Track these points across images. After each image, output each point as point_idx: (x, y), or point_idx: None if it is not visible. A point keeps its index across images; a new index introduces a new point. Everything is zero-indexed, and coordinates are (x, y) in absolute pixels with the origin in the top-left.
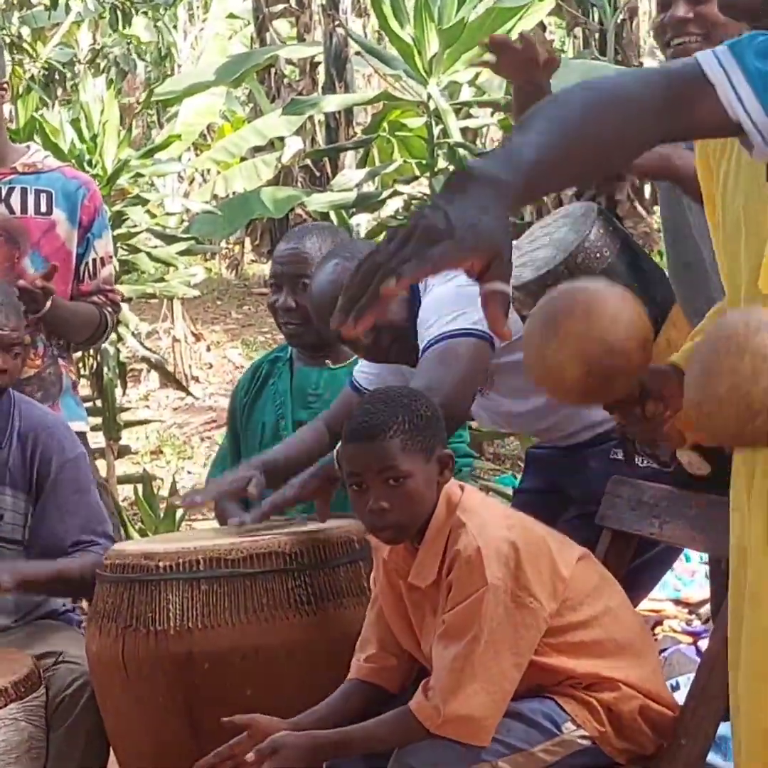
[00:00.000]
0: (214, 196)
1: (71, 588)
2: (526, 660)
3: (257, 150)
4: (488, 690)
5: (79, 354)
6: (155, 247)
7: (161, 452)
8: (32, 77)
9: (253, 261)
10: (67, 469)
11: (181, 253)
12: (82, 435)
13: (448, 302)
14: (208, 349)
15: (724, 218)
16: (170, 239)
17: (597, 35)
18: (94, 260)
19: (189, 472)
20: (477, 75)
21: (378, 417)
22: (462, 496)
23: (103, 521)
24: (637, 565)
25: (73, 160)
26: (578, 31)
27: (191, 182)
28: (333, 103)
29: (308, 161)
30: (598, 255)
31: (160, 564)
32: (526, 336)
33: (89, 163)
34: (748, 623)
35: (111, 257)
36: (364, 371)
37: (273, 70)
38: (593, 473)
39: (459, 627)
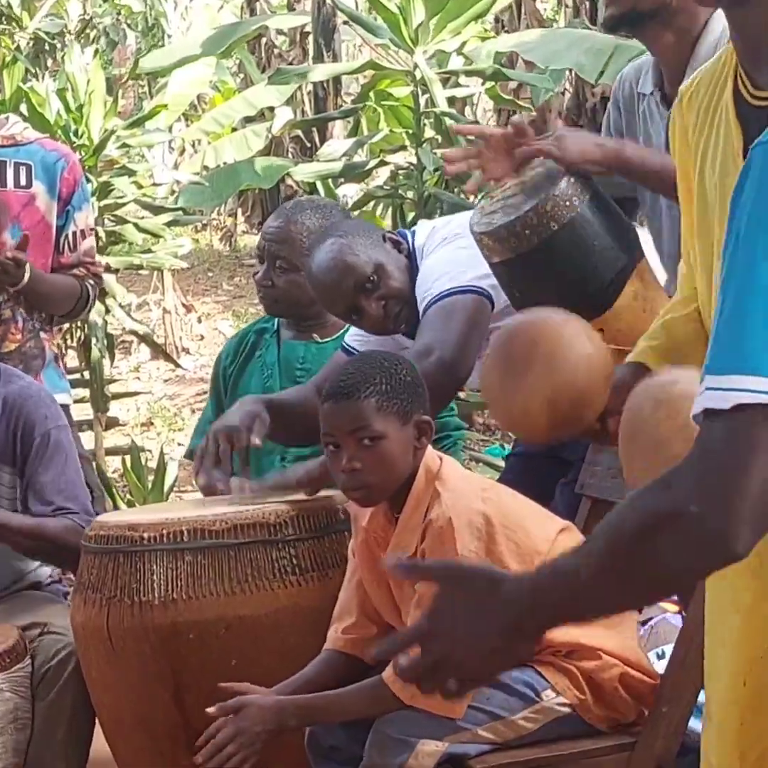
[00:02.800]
0: (205, 167)
1: (45, 545)
2: None
3: (248, 120)
4: None
5: (66, 326)
6: (143, 218)
7: (152, 424)
8: (18, 47)
9: (244, 232)
10: (50, 438)
11: (169, 223)
12: (65, 407)
13: (448, 262)
14: (199, 321)
15: (698, 194)
16: (157, 210)
17: (588, 4)
18: (75, 233)
19: (180, 444)
20: (463, 44)
21: (355, 377)
22: (440, 466)
23: (82, 493)
24: None
25: (59, 131)
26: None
27: (182, 153)
28: (319, 72)
29: (299, 132)
30: (567, 203)
31: (145, 535)
32: (485, 382)
33: (75, 133)
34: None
35: (92, 229)
36: (357, 336)
37: (263, 40)
38: None
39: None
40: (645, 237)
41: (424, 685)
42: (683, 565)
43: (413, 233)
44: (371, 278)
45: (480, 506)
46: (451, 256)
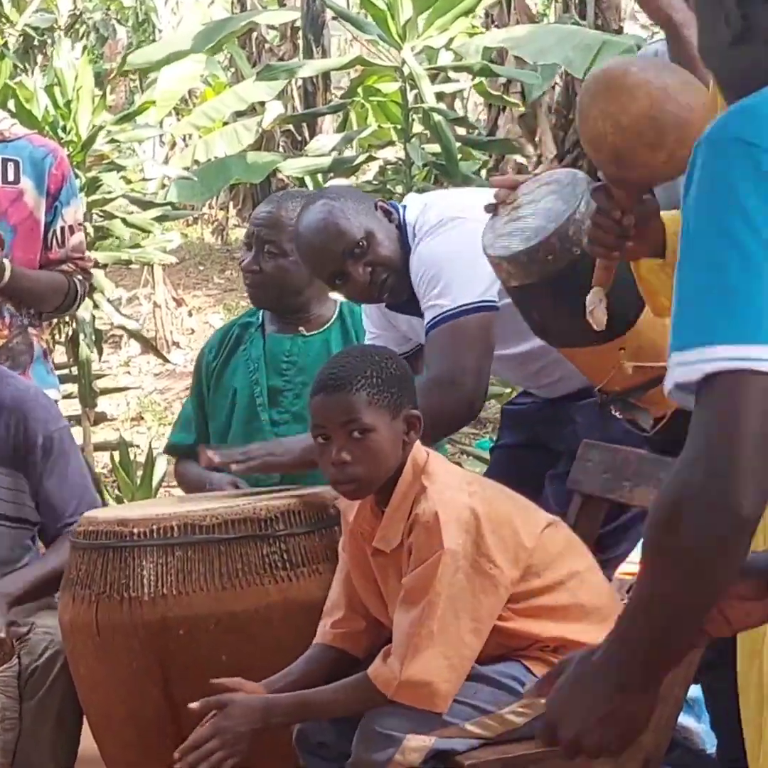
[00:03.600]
0: (195, 161)
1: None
2: (487, 627)
3: (238, 115)
4: (446, 655)
5: (54, 321)
6: (131, 213)
7: (142, 419)
8: (5, 43)
9: (235, 226)
10: (55, 442)
11: (158, 218)
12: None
13: (450, 263)
14: (190, 315)
15: None
16: (146, 205)
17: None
18: (62, 228)
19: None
20: (452, 40)
21: (346, 370)
22: (427, 460)
23: (89, 494)
24: (611, 529)
25: (47, 126)
26: None
27: (172, 147)
28: (308, 68)
29: (289, 126)
30: (587, 225)
31: (134, 530)
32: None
33: (63, 129)
34: None
35: (81, 225)
36: (368, 339)
37: (254, 35)
38: (580, 427)
39: (416, 591)
40: None
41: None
42: (706, 542)
43: (404, 208)
44: (360, 243)
45: (467, 500)
46: (450, 251)
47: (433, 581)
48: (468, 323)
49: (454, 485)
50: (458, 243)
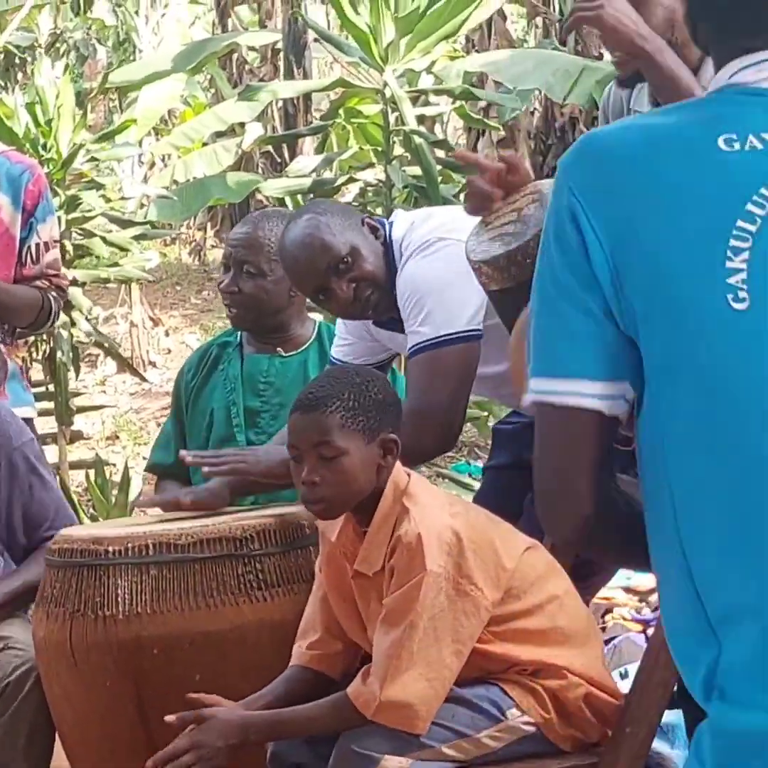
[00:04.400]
0: (174, 181)
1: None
2: (468, 648)
3: (218, 135)
4: (427, 677)
5: (31, 339)
6: (110, 231)
7: (117, 438)
8: None
9: (213, 246)
10: (17, 459)
11: (137, 237)
12: (29, 421)
13: (436, 290)
14: (167, 334)
15: None
16: (125, 223)
17: (557, 25)
18: (37, 244)
19: (144, 458)
20: (433, 63)
21: (323, 390)
22: (408, 482)
23: (62, 509)
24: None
25: (27, 144)
26: (539, 20)
27: (151, 167)
28: (288, 89)
29: (269, 147)
30: None
31: (109, 549)
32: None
33: (44, 147)
34: None
35: (57, 242)
36: (339, 344)
37: (234, 56)
38: None
39: (397, 613)
40: None
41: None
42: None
43: (391, 224)
44: (345, 259)
45: (449, 521)
46: (436, 276)
47: (415, 603)
48: (447, 355)
49: (436, 507)
50: (445, 268)
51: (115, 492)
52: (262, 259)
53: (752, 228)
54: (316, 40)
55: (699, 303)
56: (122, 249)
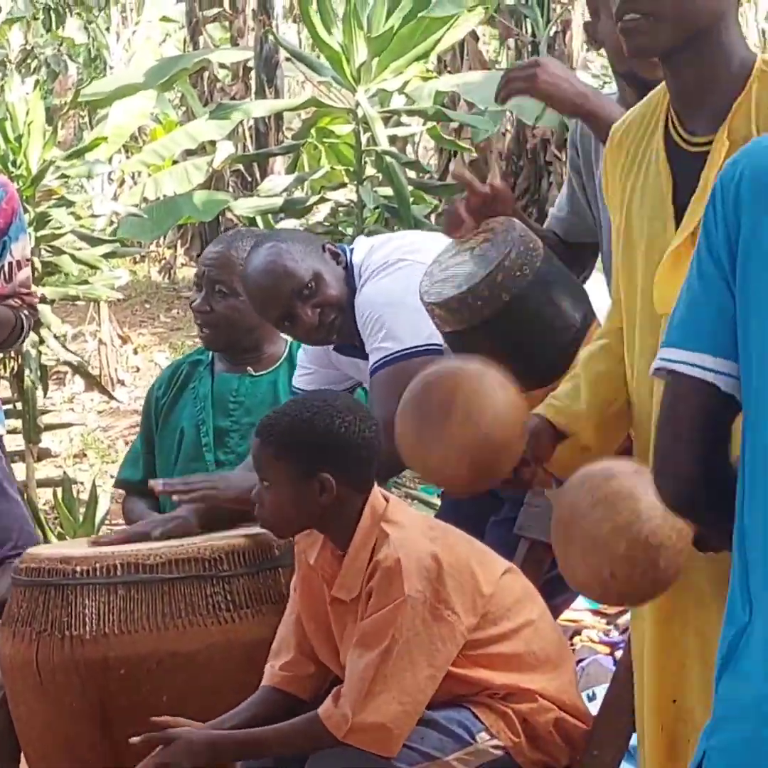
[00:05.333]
0: (144, 199)
1: None
2: (442, 673)
3: (189, 153)
4: (400, 700)
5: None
6: (80, 249)
7: (85, 456)
8: None
9: (183, 265)
10: None
11: (106, 255)
12: None
13: (395, 307)
14: (135, 352)
15: (625, 233)
16: (95, 241)
17: (530, 47)
18: (10, 264)
19: (112, 476)
20: (406, 83)
21: (272, 419)
22: (387, 507)
23: (24, 527)
24: (552, 576)
25: None
26: (511, 42)
27: (121, 185)
28: (260, 108)
29: (240, 166)
30: (517, 273)
31: (77, 568)
32: (401, 430)
33: (14, 163)
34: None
35: (28, 260)
36: (300, 374)
37: (206, 74)
38: None
39: (373, 636)
40: (598, 288)
41: None
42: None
43: (351, 250)
44: (308, 285)
45: (428, 546)
46: (395, 294)
47: (391, 627)
48: (412, 367)
49: (416, 531)
50: (403, 286)
51: (82, 510)
52: (234, 279)
53: None
54: (288, 59)
55: None
56: (91, 266)
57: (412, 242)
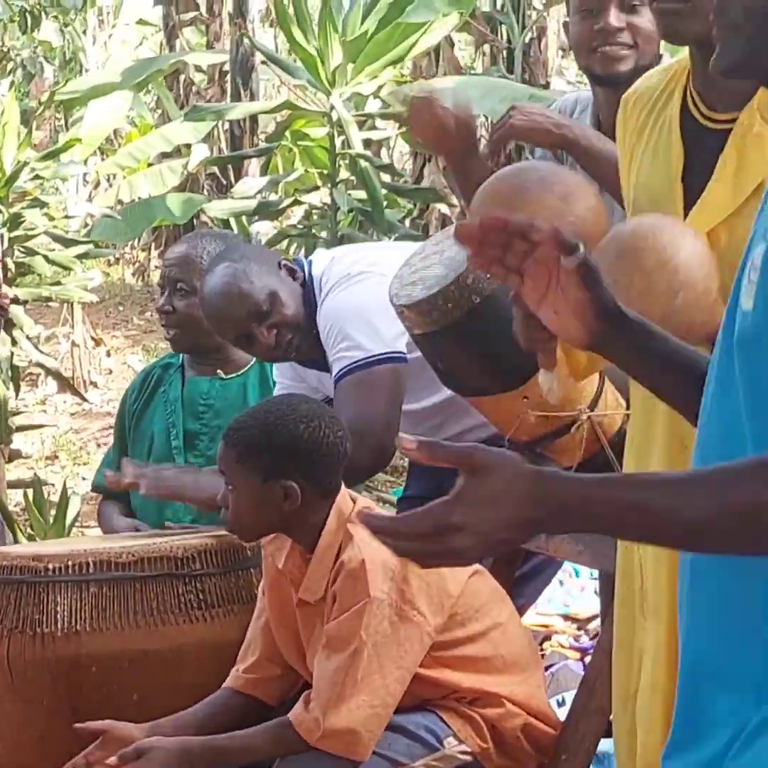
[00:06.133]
0: (119, 201)
1: None
2: (410, 674)
3: (164, 156)
4: (371, 704)
5: None
6: (53, 250)
7: (57, 457)
8: None
9: (157, 267)
10: None
11: (80, 256)
12: None
13: (357, 316)
14: (108, 355)
15: (628, 203)
16: (68, 243)
17: (505, 53)
18: None
19: (84, 478)
20: (380, 87)
21: (239, 423)
22: (353, 508)
23: None
24: (519, 576)
25: None
26: (486, 48)
27: (96, 186)
28: (235, 111)
29: (215, 169)
30: (488, 274)
31: (49, 565)
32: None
33: None
34: (651, 637)
35: (1, 261)
36: (278, 389)
37: (181, 77)
38: None
39: (341, 639)
40: None
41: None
42: None
43: (310, 263)
44: (265, 306)
45: None
46: (358, 305)
47: (358, 630)
48: (376, 373)
49: None
50: (364, 296)
51: (53, 512)
52: (194, 277)
53: None
54: (263, 62)
55: None
56: (65, 268)
57: (373, 253)
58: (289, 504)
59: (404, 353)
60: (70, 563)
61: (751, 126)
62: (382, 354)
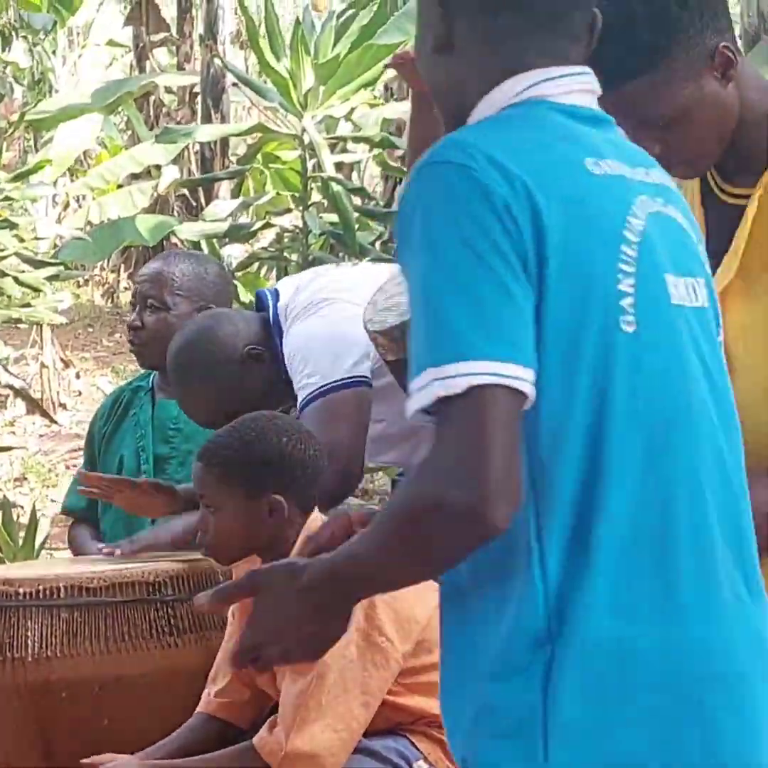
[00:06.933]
0: (89, 223)
1: None
2: (377, 700)
3: (134, 177)
4: (335, 728)
5: None
6: (23, 271)
7: (26, 479)
8: None
9: (126, 289)
10: None
11: (50, 278)
12: None
13: (319, 343)
14: (78, 376)
15: None
16: (38, 264)
17: None
18: None
19: (53, 500)
20: (352, 110)
21: (215, 442)
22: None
23: None
24: None
25: None
26: None
27: (66, 208)
28: (206, 132)
29: (185, 191)
30: None
31: (20, 590)
32: None
33: None
34: None
35: None
36: None
37: (152, 99)
38: None
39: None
40: None
41: (257, 669)
42: (452, 545)
43: (276, 293)
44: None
45: None
46: (320, 333)
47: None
48: (340, 398)
49: None
50: (326, 323)
51: (22, 534)
52: (165, 293)
53: (633, 253)
54: (234, 84)
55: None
56: (34, 289)
57: (339, 279)
58: (274, 519)
59: (367, 378)
60: (41, 588)
61: (762, 201)
62: (343, 379)
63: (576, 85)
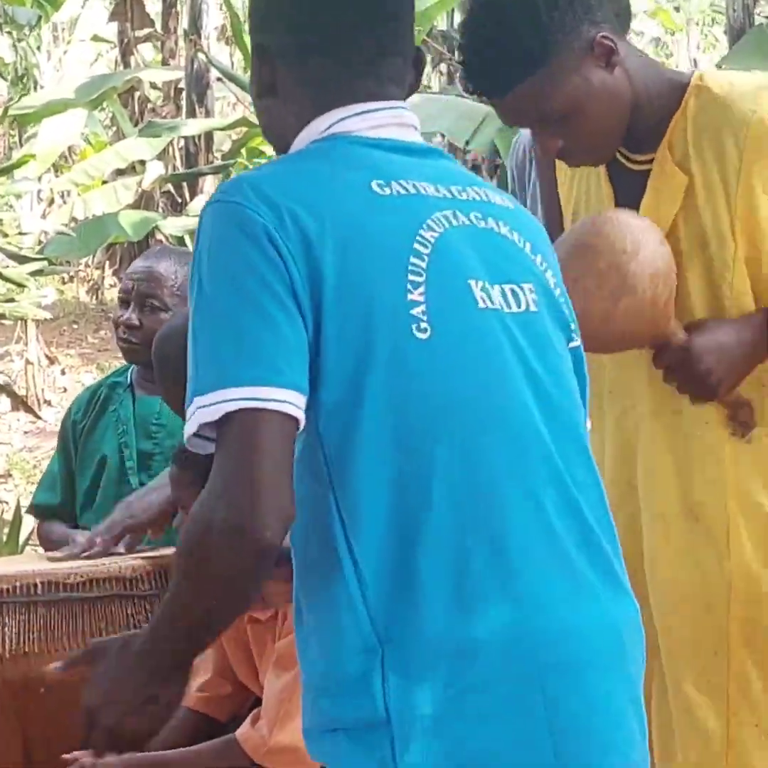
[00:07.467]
0: (73, 218)
1: None
2: None
3: (119, 173)
4: None
5: None
6: (7, 267)
7: (10, 476)
8: None
9: (111, 285)
10: None
11: (34, 273)
12: None
13: None
14: (63, 373)
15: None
16: (22, 259)
17: None
18: None
19: None
20: None
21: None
22: None
23: None
24: None
25: None
26: (443, 67)
27: (50, 203)
28: (191, 127)
29: (170, 186)
30: None
31: None
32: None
33: None
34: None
35: None
36: None
37: (137, 94)
38: None
39: (290, 657)
40: None
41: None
42: (231, 565)
43: None
44: None
45: None
46: None
47: None
48: None
49: None
50: None
51: (6, 530)
52: (165, 293)
53: (423, 264)
54: (219, 79)
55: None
56: (19, 285)
57: None
58: None
59: None
60: (18, 584)
61: (663, 166)
62: None
63: (387, 120)
